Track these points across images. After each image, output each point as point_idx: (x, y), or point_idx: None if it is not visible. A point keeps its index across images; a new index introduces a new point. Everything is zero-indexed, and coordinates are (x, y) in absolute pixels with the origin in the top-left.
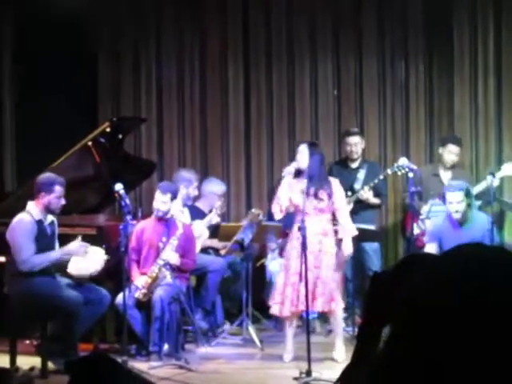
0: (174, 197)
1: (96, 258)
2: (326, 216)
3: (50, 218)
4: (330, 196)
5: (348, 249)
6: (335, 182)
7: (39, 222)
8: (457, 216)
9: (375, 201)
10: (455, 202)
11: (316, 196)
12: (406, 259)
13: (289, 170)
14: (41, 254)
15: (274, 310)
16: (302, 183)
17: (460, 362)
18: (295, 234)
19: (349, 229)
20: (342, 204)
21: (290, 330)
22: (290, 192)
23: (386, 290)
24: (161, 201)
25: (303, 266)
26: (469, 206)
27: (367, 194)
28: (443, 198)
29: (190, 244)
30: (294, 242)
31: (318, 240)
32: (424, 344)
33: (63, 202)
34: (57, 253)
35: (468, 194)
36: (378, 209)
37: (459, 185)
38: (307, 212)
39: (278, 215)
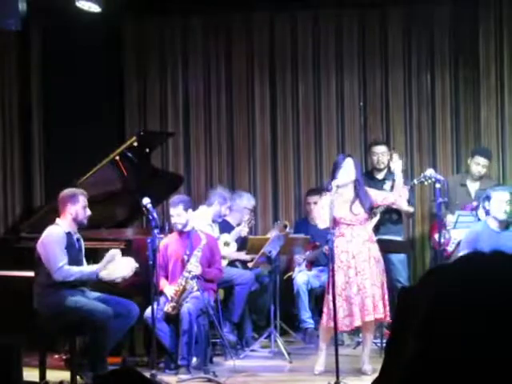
0: (187, 207)
1: (126, 265)
2: (368, 223)
3: (77, 234)
4: (370, 204)
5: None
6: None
7: (68, 234)
8: (503, 217)
9: (408, 208)
10: (504, 201)
11: (361, 206)
12: (432, 271)
13: (338, 183)
14: (76, 267)
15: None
16: (345, 195)
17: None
18: (343, 246)
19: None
20: (383, 193)
21: (325, 344)
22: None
23: (413, 304)
24: (175, 214)
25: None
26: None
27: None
28: (474, 209)
29: (215, 254)
30: (341, 257)
31: (367, 247)
32: (441, 362)
33: (89, 212)
34: (91, 267)
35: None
36: (410, 218)
37: (505, 186)
38: (350, 223)
39: (325, 224)
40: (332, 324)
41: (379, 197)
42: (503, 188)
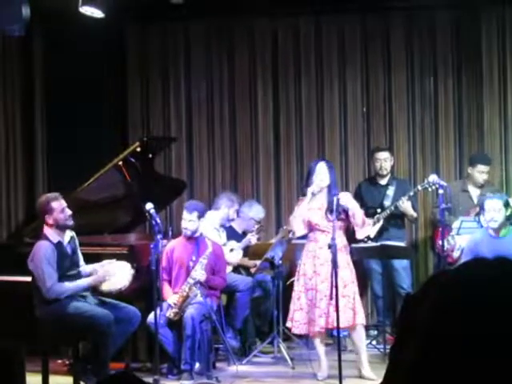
0: (201, 215)
1: (123, 273)
2: (341, 232)
3: (69, 234)
4: (345, 211)
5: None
6: (345, 196)
7: (58, 244)
8: (494, 225)
9: (413, 213)
10: (493, 209)
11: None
12: (434, 276)
13: (313, 189)
14: (67, 283)
15: (301, 329)
16: (318, 201)
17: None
18: (314, 251)
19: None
20: (358, 214)
21: (322, 348)
22: (307, 211)
23: (416, 309)
24: (188, 219)
25: (333, 284)
26: (508, 218)
27: (406, 204)
28: (477, 215)
29: (220, 262)
30: (314, 260)
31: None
32: (442, 364)
33: (69, 212)
34: (83, 282)
35: (506, 206)
36: (413, 223)
37: (499, 195)
38: (325, 230)
39: (302, 231)
40: (315, 328)
41: (353, 209)
42: (494, 196)
